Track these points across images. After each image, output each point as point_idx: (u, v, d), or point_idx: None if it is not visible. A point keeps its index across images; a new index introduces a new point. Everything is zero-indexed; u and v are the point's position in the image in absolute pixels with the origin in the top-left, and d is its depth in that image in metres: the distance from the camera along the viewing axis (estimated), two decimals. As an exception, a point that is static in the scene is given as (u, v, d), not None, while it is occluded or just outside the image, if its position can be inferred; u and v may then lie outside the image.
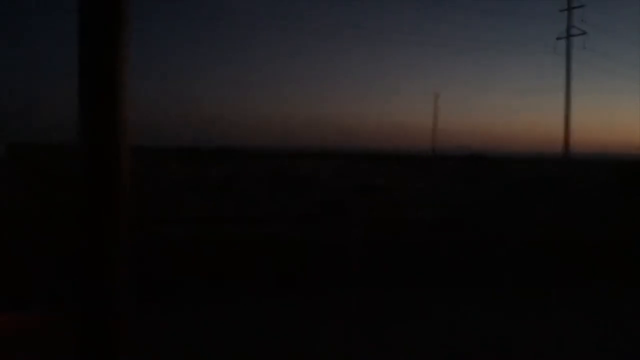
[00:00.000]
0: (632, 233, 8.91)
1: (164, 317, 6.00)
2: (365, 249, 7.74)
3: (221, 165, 29.48)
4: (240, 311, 6.28)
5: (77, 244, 1.95)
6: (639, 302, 7.24)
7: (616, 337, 5.68)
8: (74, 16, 1.91)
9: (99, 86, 1.95)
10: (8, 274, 6.16)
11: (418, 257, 7.77)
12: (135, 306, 5.53)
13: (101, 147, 1.97)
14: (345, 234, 8.72)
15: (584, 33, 39.61)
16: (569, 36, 39.59)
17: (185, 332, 5.49)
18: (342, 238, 8.23)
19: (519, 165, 39.83)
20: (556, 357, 5.17)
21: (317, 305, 6.57)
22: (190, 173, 21.39)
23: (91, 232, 1.99)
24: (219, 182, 18.54)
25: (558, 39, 40.37)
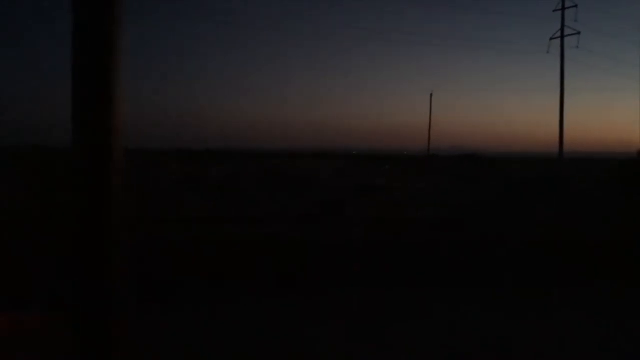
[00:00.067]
0: (633, 232, 8.90)
1: (164, 317, 5.99)
2: (366, 249, 7.73)
3: (221, 165, 29.51)
4: (240, 311, 6.28)
5: (74, 243, 1.95)
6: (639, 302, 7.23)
7: (617, 337, 5.67)
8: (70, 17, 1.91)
9: (92, 87, 1.94)
10: (8, 274, 6.15)
11: (418, 257, 7.76)
12: (135, 306, 5.54)
13: (95, 148, 1.96)
14: (345, 234, 8.72)
15: (577, 33, 39.63)
16: (562, 36, 39.59)
17: (185, 332, 5.48)
18: (342, 238, 8.23)
19: (515, 164, 39.92)
20: (557, 357, 5.17)
21: (317, 305, 6.56)
22: (190, 173, 21.41)
23: (86, 232, 1.98)
24: (219, 182, 18.55)
25: (552, 39, 40.42)
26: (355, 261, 7.53)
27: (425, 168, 33.46)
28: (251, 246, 7.53)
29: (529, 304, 6.86)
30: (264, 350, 5.12)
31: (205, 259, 7.18)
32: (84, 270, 1.92)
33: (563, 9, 40.04)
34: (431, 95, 56.37)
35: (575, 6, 40.00)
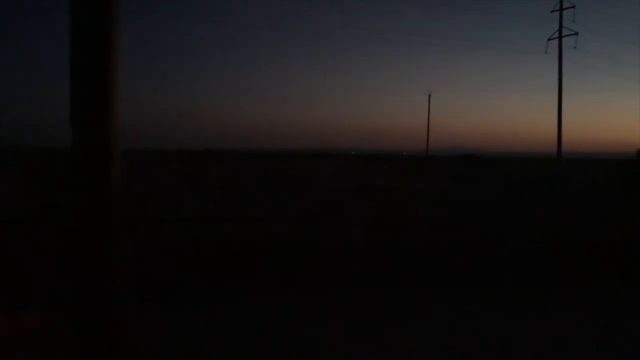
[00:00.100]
0: (631, 232, 8.91)
1: (164, 317, 6.00)
2: (365, 249, 7.74)
3: (221, 165, 29.52)
4: (240, 311, 6.28)
5: (74, 244, 1.96)
6: (639, 302, 7.24)
7: (616, 337, 5.68)
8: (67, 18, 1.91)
9: (90, 87, 1.95)
10: (8, 274, 6.15)
11: (418, 257, 7.77)
12: (135, 306, 5.54)
13: (94, 148, 1.97)
14: (344, 234, 8.72)
15: (575, 33, 39.60)
16: (560, 37, 39.57)
17: (185, 332, 5.49)
18: (342, 238, 8.23)
19: (513, 164, 39.96)
20: (556, 357, 5.17)
21: (317, 305, 6.57)
22: (190, 173, 21.42)
23: (86, 232, 1.99)
24: (218, 182, 18.56)
25: (549, 39, 40.40)
26: (355, 261, 7.54)
27: (424, 168, 33.50)
28: (251, 246, 7.53)
29: (529, 304, 6.86)
30: (264, 350, 5.12)
31: (205, 259, 7.18)
32: (84, 270, 1.93)
33: (561, 9, 40.05)
34: (429, 95, 56.45)
35: (573, 7, 40.04)
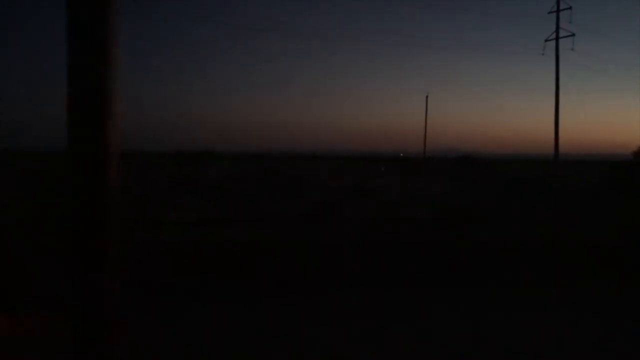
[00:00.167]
0: (631, 233, 8.93)
1: (164, 317, 5.99)
2: (364, 249, 7.74)
3: (220, 167, 29.50)
4: (240, 311, 6.28)
5: (73, 244, 1.96)
6: (638, 302, 7.25)
7: (616, 337, 5.68)
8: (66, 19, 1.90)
9: (88, 88, 1.95)
10: (7, 274, 6.14)
11: (418, 257, 7.78)
12: (135, 306, 5.53)
13: (91, 150, 1.97)
14: (345, 234, 8.73)
15: (572, 35, 39.64)
16: (557, 38, 39.63)
17: (185, 332, 5.48)
18: (342, 238, 8.24)
19: (511, 166, 40.04)
20: (556, 357, 5.17)
21: (317, 305, 6.57)
22: (188, 175, 21.39)
23: (84, 233, 1.99)
24: (218, 183, 18.54)
25: (546, 40, 40.40)
26: (355, 261, 7.54)
27: (421, 169, 33.53)
28: (251, 247, 7.53)
29: (529, 304, 6.87)
30: (264, 350, 5.12)
31: (205, 259, 7.18)
32: (82, 270, 1.92)
33: (558, 10, 40.10)
34: (427, 97, 56.45)
35: (570, 8, 40.10)
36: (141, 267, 6.47)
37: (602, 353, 5.26)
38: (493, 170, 32.79)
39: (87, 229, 2.03)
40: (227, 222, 9.87)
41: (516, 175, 25.84)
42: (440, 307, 6.67)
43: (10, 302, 5.88)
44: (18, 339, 5.19)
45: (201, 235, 8.24)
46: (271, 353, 5.08)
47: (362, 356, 5.08)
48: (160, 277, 6.75)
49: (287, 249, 7.55)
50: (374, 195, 16.42)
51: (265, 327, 5.76)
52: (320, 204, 12.59)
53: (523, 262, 7.95)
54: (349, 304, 6.62)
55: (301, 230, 9.01)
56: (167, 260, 6.98)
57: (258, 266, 7.27)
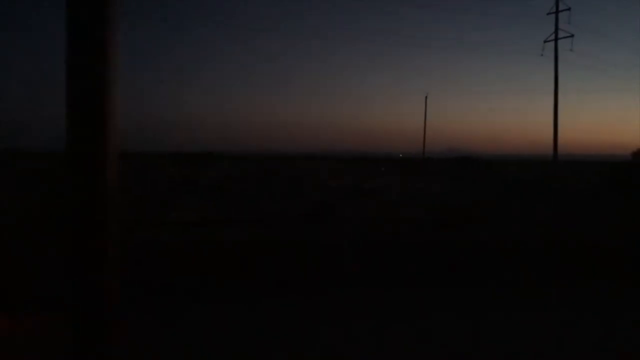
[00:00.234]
0: (630, 234, 8.93)
1: (164, 317, 5.99)
2: (365, 249, 7.74)
3: (220, 167, 29.51)
4: (240, 311, 6.28)
5: (72, 244, 1.96)
6: (638, 302, 7.25)
7: (616, 337, 5.69)
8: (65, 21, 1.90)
9: (87, 88, 1.94)
10: (7, 274, 6.14)
11: (418, 257, 7.78)
12: (135, 306, 5.54)
13: (90, 150, 1.96)
14: (345, 234, 8.73)
15: (571, 36, 39.61)
16: (556, 39, 39.59)
17: (185, 332, 5.48)
18: (342, 238, 8.23)
19: (510, 166, 40.06)
20: (556, 357, 5.17)
21: (317, 305, 6.57)
22: (189, 175, 21.40)
23: (83, 233, 1.98)
24: (218, 183, 18.55)
25: (545, 41, 40.36)
26: (355, 261, 7.54)
27: (420, 170, 33.54)
28: (251, 247, 7.53)
29: (529, 304, 6.87)
30: (264, 350, 5.12)
31: (205, 260, 7.18)
32: (82, 270, 1.92)
33: (557, 11, 40.08)
34: (426, 97, 56.37)
35: (569, 9, 40.08)
36: (141, 267, 6.47)
37: (602, 353, 5.26)
38: (492, 171, 32.80)
39: (87, 229, 2.03)
40: (227, 222, 9.87)
41: (516, 176, 25.86)
42: (440, 307, 6.67)
43: (10, 302, 5.88)
44: (18, 339, 5.19)
45: (201, 235, 8.24)
46: (271, 353, 5.08)
47: (362, 356, 5.08)
48: (160, 277, 6.75)
49: (287, 249, 7.54)
50: (374, 196, 16.42)
51: (265, 327, 5.76)
52: (320, 204, 12.59)
53: (523, 262, 7.95)
54: (349, 304, 6.62)
55: (301, 230, 9.01)
56: (167, 261, 6.98)
57: (258, 266, 7.27)
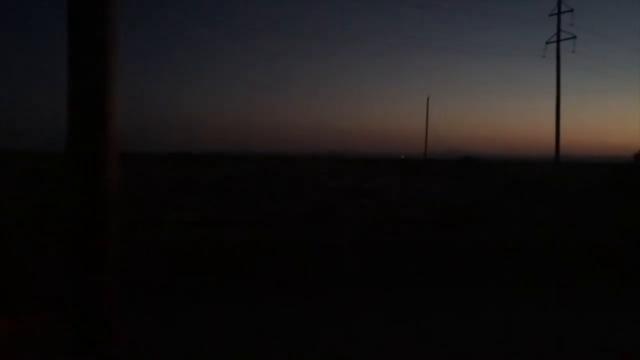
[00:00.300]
0: (630, 234, 8.93)
1: (164, 317, 5.99)
2: (365, 249, 7.74)
3: (220, 168, 29.52)
4: (240, 311, 6.28)
5: (72, 245, 1.96)
6: (638, 302, 7.26)
7: (616, 337, 5.69)
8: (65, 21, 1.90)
9: (88, 89, 1.95)
10: (7, 274, 6.14)
11: (418, 257, 7.78)
12: (135, 306, 5.53)
13: (91, 150, 1.97)
14: (345, 234, 8.73)
15: (573, 37, 39.59)
16: (558, 40, 39.59)
17: (185, 332, 5.48)
18: (342, 238, 8.23)
19: (512, 167, 40.07)
20: (556, 357, 5.17)
21: (317, 305, 6.57)
22: (189, 175, 21.41)
23: (83, 233, 1.99)
24: (218, 183, 18.56)
25: (548, 43, 40.34)
26: (355, 261, 7.54)
27: (422, 171, 33.56)
28: (251, 247, 7.53)
29: (529, 304, 6.87)
30: (264, 350, 5.12)
31: (205, 260, 7.18)
32: (82, 270, 1.93)
33: (559, 13, 40.06)
34: (428, 99, 56.29)
35: (571, 10, 40.07)
36: (141, 267, 6.47)
37: (602, 353, 5.26)
38: (493, 172, 32.81)
39: (87, 229, 2.03)
40: (227, 222, 9.87)
41: (516, 177, 25.87)
42: (440, 307, 6.67)
43: (10, 302, 5.89)
44: (18, 339, 5.19)
45: (201, 235, 8.24)
46: (271, 353, 5.08)
47: (362, 356, 5.08)
48: (160, 277, 6.75)
49: (287, 249, 7.54)
50: (374, 196, 16.42)
51: (265, 327, 5.76)
52: (320, 204, 12.59)
53: (523, 262, 7.95)
54: (349, 304, 6.62)
55: (301, 230, 9.01)
56: (167, 261, 6.98)
57: (258, 266, 7.27)
